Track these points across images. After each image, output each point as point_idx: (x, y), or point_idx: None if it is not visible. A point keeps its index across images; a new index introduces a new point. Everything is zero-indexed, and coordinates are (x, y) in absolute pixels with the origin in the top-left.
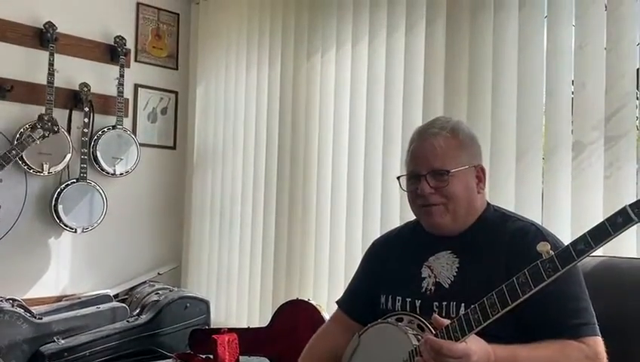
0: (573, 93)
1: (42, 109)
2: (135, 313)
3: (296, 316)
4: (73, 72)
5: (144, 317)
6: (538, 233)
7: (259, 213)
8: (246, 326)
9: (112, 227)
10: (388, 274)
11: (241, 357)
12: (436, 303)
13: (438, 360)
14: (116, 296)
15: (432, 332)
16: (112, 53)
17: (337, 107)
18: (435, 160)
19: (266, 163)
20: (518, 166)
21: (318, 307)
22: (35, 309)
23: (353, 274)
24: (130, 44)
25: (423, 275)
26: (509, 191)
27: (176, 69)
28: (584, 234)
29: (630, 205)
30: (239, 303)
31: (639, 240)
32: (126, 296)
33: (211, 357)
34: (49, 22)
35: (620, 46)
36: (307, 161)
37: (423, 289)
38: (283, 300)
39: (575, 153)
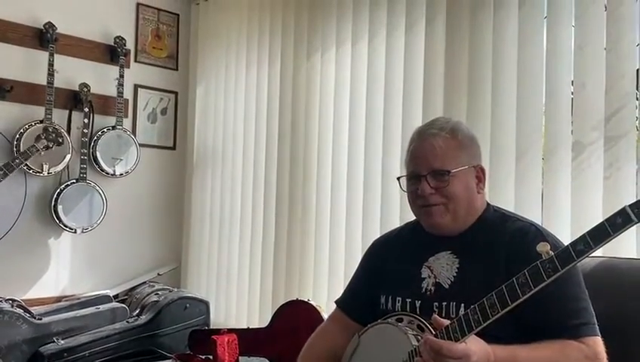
0: (572, 93)
1: (42, 110)
2: (135, 313)
3: (295, 316)
4: (73, 72)
5: (144, 318)
6: (538, 233)
7: (258, 213)
8: (246, 327)
9: (112, 227)
10: (388, 274)
11: (240, 358)
12: (436, 303)
13: (438, 360)
14: (116, 296)
15: (431, 332)
16: (112, 53)
17: (337, 107)
18: (435, 160)
19: (265, 163)
20: (517, 166)
21: (317, 307)
22: (34, 310)
23: (352, 274)
24: (130, 45)
25: (422, 276)
26: (508, 192)
27: (176, 69)
28: (584, 234)
29: (630, 205)
30: (239, 304)
31: (639, 241)
32: (126, 297)
33: (211, 357)
34: (49, 22)
35: (619, 46)
36: (307, 161)
37: (423, 290)
38: (283, 300)
39: (575, 153)
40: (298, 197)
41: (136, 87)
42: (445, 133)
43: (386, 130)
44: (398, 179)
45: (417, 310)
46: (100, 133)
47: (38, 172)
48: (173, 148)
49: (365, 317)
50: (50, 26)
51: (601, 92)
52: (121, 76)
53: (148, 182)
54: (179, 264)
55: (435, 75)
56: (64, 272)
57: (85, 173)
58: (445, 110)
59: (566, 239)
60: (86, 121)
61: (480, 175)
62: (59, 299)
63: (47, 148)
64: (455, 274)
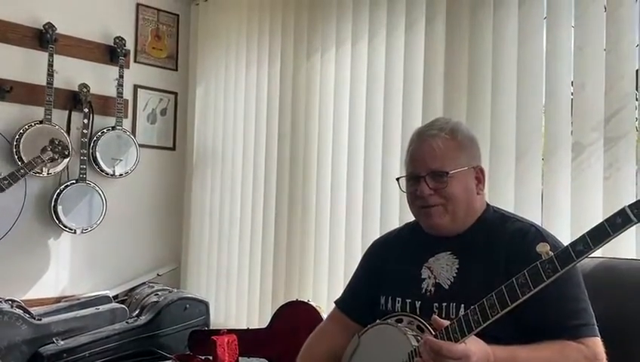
0: (572, 93)
1: (42, 110)
2: (134, 314)
3: (295, 317)
4: (73, 72)
5: (143, 318)
6: (538, 234)
7: (258, 213)
8: (245, 328)
9: (112, 228)
10: (388, 275)
11: (240, 358)
12: (436, 304)
13: (438, 361)
14: (115, 297)
15: (431, 333)
16: (112, 54)
17: (337, 107)
18: (433, 161)
19: (265, 163)
20: (517, 167)
21: (317, 308)
22: (34, 310)
23: (352, 274)
24: (129, 45)
25: (422, 276)
26: (508, 192)
27: (176, 69)
28: (583, 235)
29: (629, 206)
30: (239, 304)
31: (638, 241)
32: (125, 297)
33: (210, 358)
34: (49, 23)
35: (619, 47)
36: (307, 162)
37: (423, 291)
38: (282, 301)
39: (574, 154)
40: (298, 197)
41: (135, 87)
42: (445, 133)
43: (385, 130)
44: (398, 179)
45: (417, 310)
46: (99, 133)
47: (38, 172)
48: (173, 148)
49: (365, 318)
50: (49, 26)
51: (600, 92)
52: (121, 76)
53: (148, 183)
54: (178, 264)
55: (435, 75)
56: (64, 273)
57: (85, 174)
58: (445, 110)
59: (566, 239)
60: (86, 121)
61: (479, 176)
62: (58, 300)
63: (52, 160)
64: (455, 275)
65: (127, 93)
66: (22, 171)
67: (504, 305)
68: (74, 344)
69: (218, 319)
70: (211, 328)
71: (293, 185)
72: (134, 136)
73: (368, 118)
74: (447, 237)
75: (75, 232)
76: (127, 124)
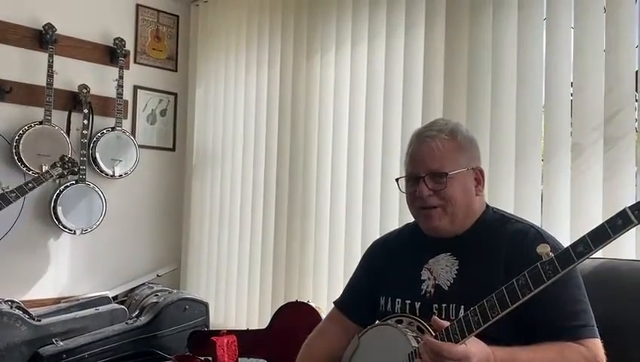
0: (572, 95)
1: (41, 111)
2: (134, 315)
3: (295, 318)
4: (72, 73)
5: (143, 319)
6: (537, 235)
7: (258, 214)
8: (245, 328)
9: (111, 229)
10: (387, 275)
11: (240, 359)
12: (436, 305)
13: (438, 361)
14: (115, 297)
15: (431, 334)
16: (112, 54)
17: (337, 107)
18: (433, 162)
19: (265, 164)
20: (517, 168)
21: (317, 309)
22: (33, 311)
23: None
24: (129, 46)
25: (422, 277)
26: (508, 193)
27: (176, 70)
28: (584, 236)
29: (630, 207)
30: (238, 305)
31: (639, 243)
32: (125, 298)
33: (210, 359)
34: (48, 23)
35: (619, 48)
36: (306, 162)
37: (423, 292)
38: (282, 302)
39: (574, 155)
40: (297, 198)
41: (135, 88)
42: (444, 134)
43: (385, 130)
44: (397, 180)
45: (417, 311)
46: (99, 134)
47: (38, 173)
48: (173, 149)
49: (364, 318)
50: (49, 27)
51: (600, 94)
52: (121, 77)
53: (147, 184)
54: (178, 265)
55: (435, 76)
56: (63, 273)
57: (84, 175)
58: (445, 111)
59: (565, 240)
60: (85, 122)
61: (479, 177)
62: (58, 301)
63: (61, 176)
64: (455, 276)
65: (127, 94)
66: (30, 185)
67: (504, 306)
68: (73, 345)
69: (218, 320)
70: (211, 329)
71: (293, 185)
72: (134, 137)
73: (368, 119)
74: (447, 239)
75: (74, 233)
76: (126, 124)
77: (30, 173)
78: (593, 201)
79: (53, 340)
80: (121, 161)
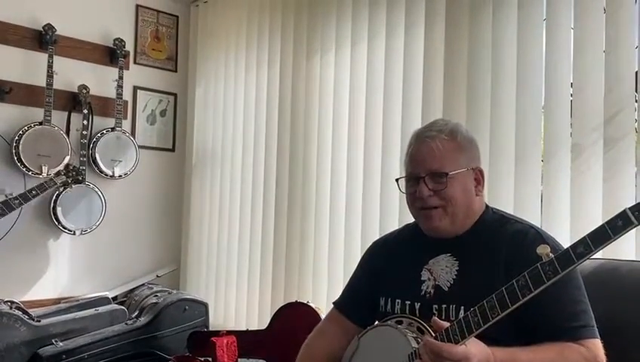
0: (572, 95)
1: (41, 111)
2: (134, 315)
3: (295, 318)
4: (72, 74)
5: (143, 320)
6: (537, 235)
7: (258, 214)
8: (245, 329)
9: (111, 229)
10: (387, 276)
11: (239, 360)
12: (436, 306)
13: None
14: (115, 298)
15: (431, 334)
16: (111, 55)
17: (336, 107)
18: (433, 162)
19: (265, 165)
20: (517, 168)
21: (316, 309)
22: (33, 311)
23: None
24: (129, 47)
25: (422, 278)
26: (508, 194)
27: (175, 71)
28: (584, 237)
29: (630, 208)
30: (238, 305)
31: (639, 243)
32: (125, 299)
33: (210, 359)
34: (48, 24)
35: (618, 48)
36: (306, 163)
37: (423, 292)
38: (282, 302)
39: (574, 155)
40: (297, 198)
41: (135, 88)
42: (444, 135)
43: (385, 131)
44: (397, 180)
45: (417, 312)
46: (99, 134)
47: (37, 173)
48: (173, 149)
49: (364, 319)
50: (49, 27)
51: (600, 94)
52: (121, 78)
53: (147, 184)
54: (178, 265)
55: (435, 76)
56: (63, 274)
57: (84, 175)
58: (444, 111)
59: (565, 241)
60: (85, 122)
61: (479, 177)
62: (57, 301)
63: (65, 184)
64: (455, 277)
65: (127, 95)
66: (33, 192)
67: (504, 306)
68: (73, 345)
69: (217, 320)
70: (211, 329)
71: (293, 186)
72: (134, 138)
73: (368, 119)
74: (447, 239)
75: (74, 233)
76: (126, 125)
77: (30, 173)
78: (593, 202)
79: (53, 341)
80: (120, 161)
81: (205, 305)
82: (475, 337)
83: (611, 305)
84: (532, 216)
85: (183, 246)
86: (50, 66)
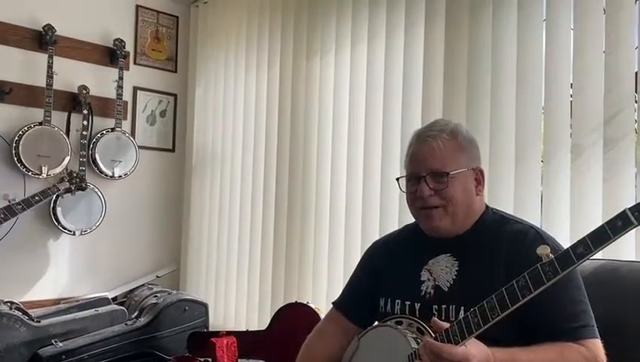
0: (572, 95)
1: (41, 112)
2: (133, 316)
3: (294, 319)
4: (72, 74)
5: (142, 320)
6: (537, 236)
7: (257, 215)
8: (245, 329)
9: (111, 230)
10: (387, 277)
11: (239, 360)
12: (435, 306)
13: None
14: (115, 298)
15: (431, 335)
16: (111, 55)
17: (336, 108)
18: (434, 161)
19: (265, 165)
20: (517, 168)
21: (316, 310)
22: (33, 312)
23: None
24: (129, 47)
25: (422, 278)
26: (508, 194)
27: (175, 71)
28: (584, 237)
29: (630, 208)
30: (238, 306)
31: (639, 244)
32: (124, 299)
33: (210, 360)
34: (48, 24)
35: (618, 49)
36: (306, 163)
37: (423, 293)
38: (282, 303)
39: (574, 156)
40: (297, 199)
41: (135, 89)
42: (445, 134)
43: (385, 131)
44: (398, 179)
45: (417, 313)
46: (99, 135)
47: (37, 174)
48: (172, 150)
49: (364, 319)
50: (49, 28)
51: (600, 95)
52: (120, 78)
53: (147, 185)
54: (178, 266)
55: (435, 76)
56: (63, 274)
57: (84, 175)
58: (444, 111)
59: (565, 241)
60: (85, 123)
61: (479, 177)
62: (57, 302)
63: (68, 191)
64: (454, 277)
65: (127, 95)
66: (37, 198)
67: (504, 307)
68: (73, 346)
69: (217, 321)
70: (210, 330)
71: (293, 186)
72: (134, 138)
73: (368, 119)
74: (447, 239)
75: (74, 234)
76: (126, 125)
77: (30, 173)
78: (593, 202)
79: (53, 341)
80: (120, 161)
81: (205, 306)
82: (475, 337)
83: (611, 306)
84: (532, 217)
85: (182, 247)
86: (50, 67)
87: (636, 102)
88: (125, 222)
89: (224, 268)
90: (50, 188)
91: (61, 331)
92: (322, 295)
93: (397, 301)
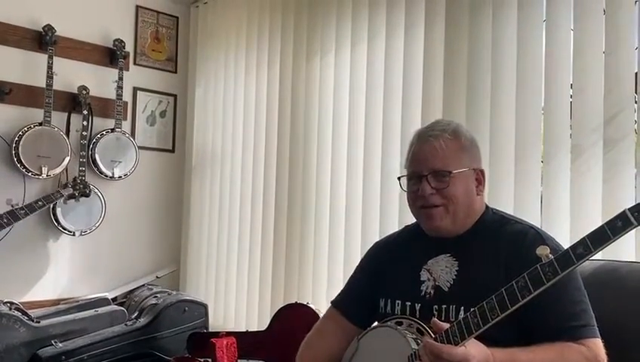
0: (571, 96)
1: (41, 112)
2: (133, 316)
3: (294, 319)
4: (72, 74)
5: (142, 321)
6: (537, 236)
7: (257, 215)
8: (244, 330)
9: (111, 230)
10: (387, 277)
11: (239, 361)
12: (435, 307)
13: None
14: (114, 299)
15: (431, 336)
16: (111, 56)
17: (336, 108)
18: (436, 161)
19: (264, 166)
20: (517, 169)
21: (316, 310)
22: (32, 312)
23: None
24: (129, 47)
25: (422, 279)
26: (508, 194)
27: (175, 72)
28: (584, 238)
29: (630, 209)
30: (238, 306)
31: (638, 244)
32: (124, 300)
33: (210, 360)
34: (48, 25)
35: (618, 50)
36: (306, 164)
37: (423, 293)
38: (282, 303)
39: (574, 156)
40: (297, 199)
41: (135, 89)
42: (447, 134)
43: (385, 131)
44: (399, 178)
45: (417, 313)
46: (98, 135)
47: (37, 174)
48: (172, 150)
49: (363, 320)
50: (49, 28)
51: (600, 95)
52: (120, 79)
53: (147, 185)
54: (177, 267)
55: (435, 76)
56: (62, 275)
57: (84, 176)
58: (444, 111)
59: (565, 242)
60: (85, 123)
61: (480, 177)
62: (57, 302)
63: (71, 196)
64: (454, 277)
65: (127, 95)
66: (40, 203)
67: (504, 308)
68: (72, 346)
69: (217, 321)
70: (210, 330)
71: (293, 187)
72: (133, 138)
73: (367, 119)
74: (447, 239)
75: (74, 234)
76: (126, 126)
77: (30, 174)
78: (593, 203)
79: (53, 342)
80: (120, 162)
81: (205, 306)
82: (475, 338)
83: (611, 306)
84: (532, 217)
85: (182, 247)
86: (50, 67)
87: (636, 102)
88: (125, 223)
89: (224, 269)
90: (53, 194)
91: (61, 331)
92: (322, 295)
93: (397, 301)
